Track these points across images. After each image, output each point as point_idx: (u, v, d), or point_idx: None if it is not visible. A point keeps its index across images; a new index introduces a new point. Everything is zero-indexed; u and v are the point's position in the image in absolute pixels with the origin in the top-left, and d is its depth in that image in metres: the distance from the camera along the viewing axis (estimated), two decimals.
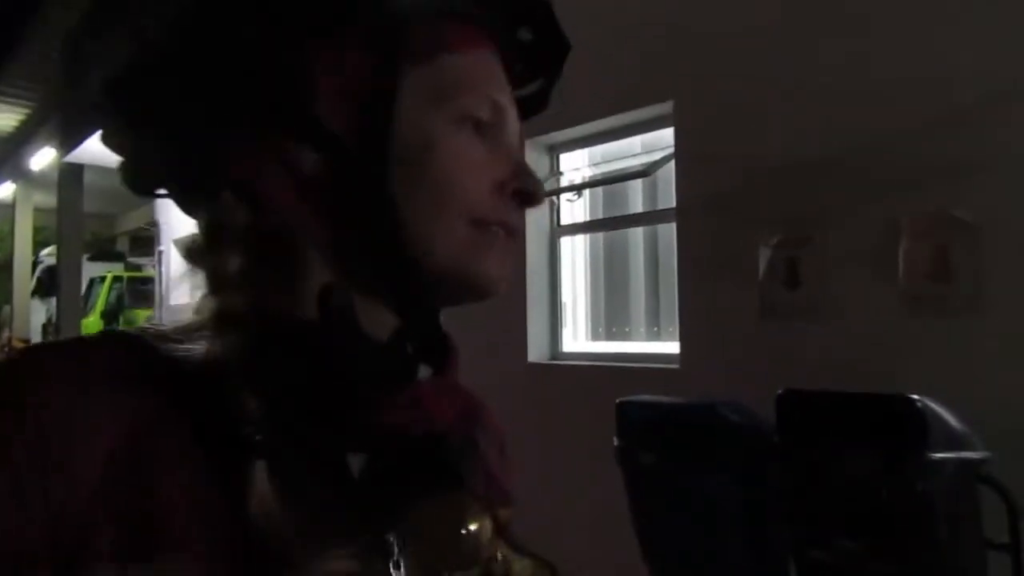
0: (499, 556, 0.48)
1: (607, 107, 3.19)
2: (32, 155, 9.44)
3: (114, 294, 13.11)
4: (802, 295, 2.43)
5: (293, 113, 0.44)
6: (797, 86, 2.49)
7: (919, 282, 2.15)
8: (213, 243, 0.44)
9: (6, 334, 12.25)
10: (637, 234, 3.48)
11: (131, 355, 0.41)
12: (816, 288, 2.39)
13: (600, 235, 3.63)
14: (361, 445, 0.44)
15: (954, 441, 1.57)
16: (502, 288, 0.50)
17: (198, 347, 0.43)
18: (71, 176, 8.96)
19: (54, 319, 10.17)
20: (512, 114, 0.51)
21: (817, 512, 1.71)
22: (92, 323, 12.44)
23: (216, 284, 0.44)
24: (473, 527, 0.47)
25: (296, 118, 0.44)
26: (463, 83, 0.48)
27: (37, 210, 11.43)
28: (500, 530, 0.48)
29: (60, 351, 0.41)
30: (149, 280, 12.18)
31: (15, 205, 11.22)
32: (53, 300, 9.99)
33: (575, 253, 3.68)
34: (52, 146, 8.69)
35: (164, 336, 0.44)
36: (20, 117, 9.29)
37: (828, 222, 2.40)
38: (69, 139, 7.56)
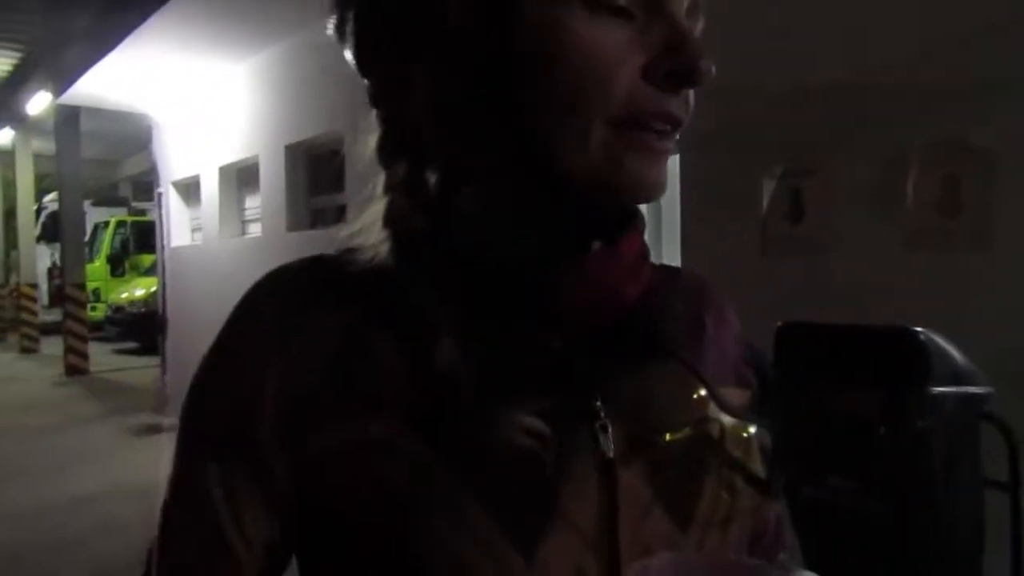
0: (712, 418, 0.48)
1: None
2: (28, 100, 9.32)
3: (118, 239, 13.13)
4: (806, 228, 2.35)
5: (430, 29, 0.45)
6: (802, 7, 2.36)
7: (927, 215, 2.06)
8: (381, 156, 0.48)
9: (13, 278, 12.34)
10: None
11: (338, 269, 0.47)
12: (820, 221, 2.31)
13: None
14: (543, 323, 0.45)
15: (957, 376, 1.52)
16: (655, 193, 0.45)
17: (379, 255, 0.47)
18: (67, 119, 8.86)
19: (58, 263, 10.21)
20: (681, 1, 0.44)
21: (811, 448, 1.68)
22: (97, 268, 12.50)
23: (386, 189, 0.48)
24: (685, 395, 0.47)
25: (431, 33, 0.45)
26: None
27: (40, 156, 11.35)
28: (713, 396, 0.48)
29: (291, 271, 0.48)
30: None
31: (15, 151, 11.14)
32: (58, 245, 10.01)
33: None
34: (47, 90, 8.55)
35: (354, 252, 0.48)
36: (13, 61, 9.13)
37: (835, 151, 2.30)
38: (62, 81, 7.42)
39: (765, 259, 2.49)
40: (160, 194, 7.91)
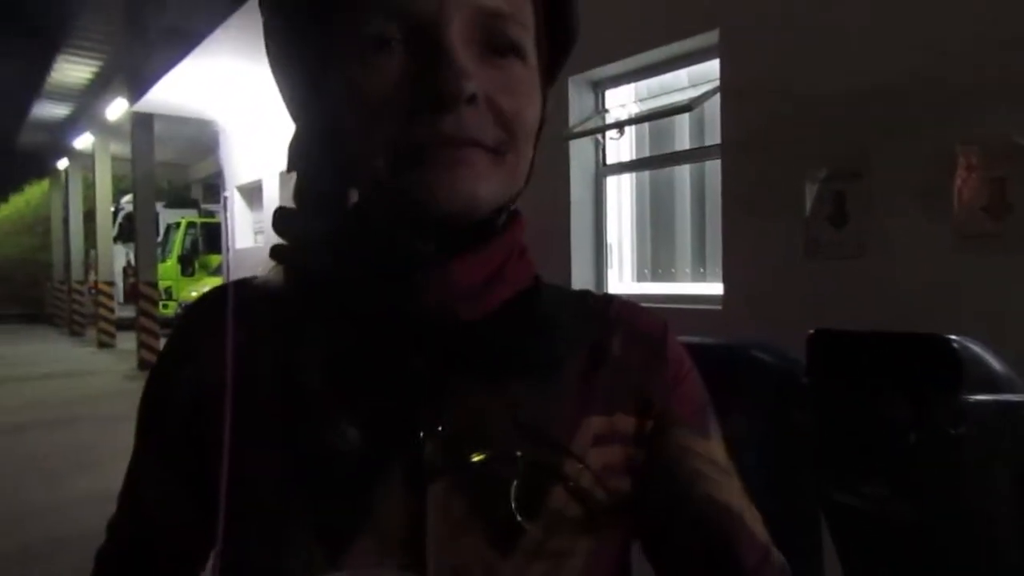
0: (556, 447, 0.47)
1: (651, 38, 3.06)
2: (107, 106, 9.79)
3: (189, 239, 13.66)
4: (849, 232, 2.31)
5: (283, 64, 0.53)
6: (845, 10, 2.32)
7: (973, 217, 2.01)
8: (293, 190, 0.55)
9: (92, 276, 13.00)
10: (684, 172, 3.37)
11: (243, 294, 0.54)
12: (864, 225, 2.27)
13: (647, 174, 3.54)
14: (385, 339, 0.47)
15: (994, 384, 1.48)
16: (453, 203, 0.44)
17: (274, 276, 0.54)
18: (142, 125, 9.27)
19: (133, 262, 10.69)
20: (450, 24, 0.43)
21: (843, 455, 1.66)
22: (169, 267, 13.04)
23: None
24: (516, 419, 0.47)
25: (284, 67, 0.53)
26: None
27: (116, 159, 11.91)
28: (519, 426, 0.47)
29: (210, 296, 0.55)
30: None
31: (95, 154, 11.72)
32: (133, 244, 10.49)
33: (621, 192, 3.59)
34: (124, 97, 8.98)
35: (260, 280, 0.56)
36: (94, 69, 9.63)
37: (878, 154, 2.26)
38: (137, 88, 7.80)
39: (808, 263, 2.46)
40: (225, 198, 8.22)
